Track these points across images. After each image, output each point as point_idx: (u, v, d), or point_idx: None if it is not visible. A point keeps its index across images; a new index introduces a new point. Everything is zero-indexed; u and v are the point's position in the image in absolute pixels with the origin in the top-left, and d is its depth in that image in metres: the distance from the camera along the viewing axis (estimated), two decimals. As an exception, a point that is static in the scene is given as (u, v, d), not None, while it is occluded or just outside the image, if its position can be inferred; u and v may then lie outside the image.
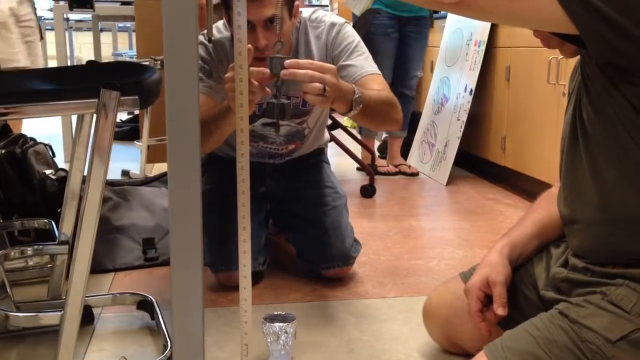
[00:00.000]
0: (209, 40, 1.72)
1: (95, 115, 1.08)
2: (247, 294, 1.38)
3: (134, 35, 4.70)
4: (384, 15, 3.18)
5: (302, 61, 1.39)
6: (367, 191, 2.99)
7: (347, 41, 1.75)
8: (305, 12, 1.80)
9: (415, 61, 3.34)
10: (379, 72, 1.73)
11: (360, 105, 1.49)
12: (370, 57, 1.76)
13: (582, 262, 1.17)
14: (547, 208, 1.33)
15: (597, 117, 1.09)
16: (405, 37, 3.26)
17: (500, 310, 1.22)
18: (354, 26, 1.94)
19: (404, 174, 3.45)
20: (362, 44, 1.77)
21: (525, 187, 2.71)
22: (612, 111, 1.06)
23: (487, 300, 1.26)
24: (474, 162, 3.47)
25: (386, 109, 1.62)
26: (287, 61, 1.35)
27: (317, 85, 1.36)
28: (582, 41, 1.02)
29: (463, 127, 3.21)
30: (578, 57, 1.15)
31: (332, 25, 1.77)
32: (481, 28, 3.26)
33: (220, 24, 1.81)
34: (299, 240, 1.94)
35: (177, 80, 0.81)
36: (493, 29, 3.19)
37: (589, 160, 1.12)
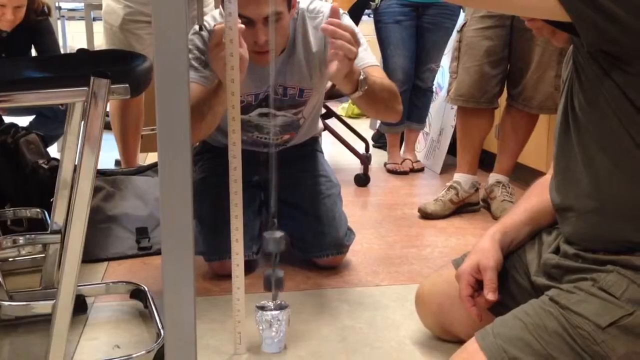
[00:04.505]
0: (200, 29, 1.71)
1: (85, 104, 1.07)
2: (240, 282, 1.39)
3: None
4: (395, 2, 3.06)
5: (338, 25, 1.41)
6: (361, 180, 2.99)
7: None
8: (303, 2, 1.78)
9: (430, 53, 3.14)
10: (378, 63, 1.74)
11: (366, 87, 1.52)
12: (369, 48, 1.75)
13: (573, 249, 1.17)
14: (539, 195, 1.33)
15: (588, 105, 1.09)
16: (420, 26, 3.11)
17: (490, 295, 1.22)
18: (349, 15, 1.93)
19: (411, 170, 3.25)
20: (360, 34, 1.76)
21: (519, 175, 2.71)
22: (603, 99, 1.06)
23: (478, 286, 1.27)
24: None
25: (388, 97, 1.64)
26: (330, 19, 1.41)
27: (354, 49, 1.39)
28: (575, 29, 1.02)
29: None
30: (571, 45, 1.15)
31: None
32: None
33: (216, 13, 1.79)
34: (292, 229, 1.94)
35: (167, 69, 0.81)
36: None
37: (581, 148, 1.12)
